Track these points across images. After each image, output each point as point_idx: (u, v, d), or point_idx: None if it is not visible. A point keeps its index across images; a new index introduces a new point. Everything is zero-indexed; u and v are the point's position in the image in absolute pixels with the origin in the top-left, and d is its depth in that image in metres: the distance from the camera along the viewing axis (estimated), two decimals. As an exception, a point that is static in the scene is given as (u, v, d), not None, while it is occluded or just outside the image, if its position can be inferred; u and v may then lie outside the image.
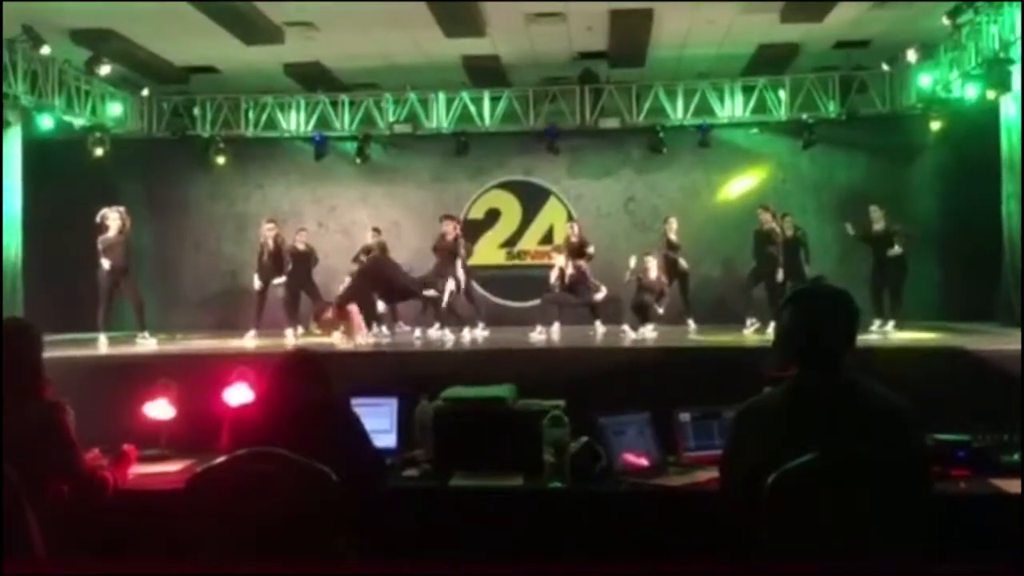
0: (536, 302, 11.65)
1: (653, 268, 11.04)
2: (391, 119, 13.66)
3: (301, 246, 11.61)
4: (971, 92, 10.59)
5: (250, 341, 10.42)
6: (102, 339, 9.98)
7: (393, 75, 13.09)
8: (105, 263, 10.16)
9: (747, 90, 13.26)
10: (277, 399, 3.34)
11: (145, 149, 13.85)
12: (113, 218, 10.29)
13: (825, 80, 13.06)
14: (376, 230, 12.36)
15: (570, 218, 13.34)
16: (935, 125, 11.97)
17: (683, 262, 11.78)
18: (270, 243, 11.09)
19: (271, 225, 11.24)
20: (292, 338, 10.62)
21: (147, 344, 10.09)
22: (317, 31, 11.12)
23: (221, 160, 13.72)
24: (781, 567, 2.28)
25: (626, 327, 10.62)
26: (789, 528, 2.40)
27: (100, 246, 10.23)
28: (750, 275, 11.36)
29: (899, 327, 10.40)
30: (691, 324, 11.56)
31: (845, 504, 2.38)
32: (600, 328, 10.66)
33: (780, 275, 10.83)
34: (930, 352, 7.82)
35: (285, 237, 11.45)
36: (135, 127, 13.54)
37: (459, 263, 10.69)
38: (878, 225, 11.03)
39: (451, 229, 10.84)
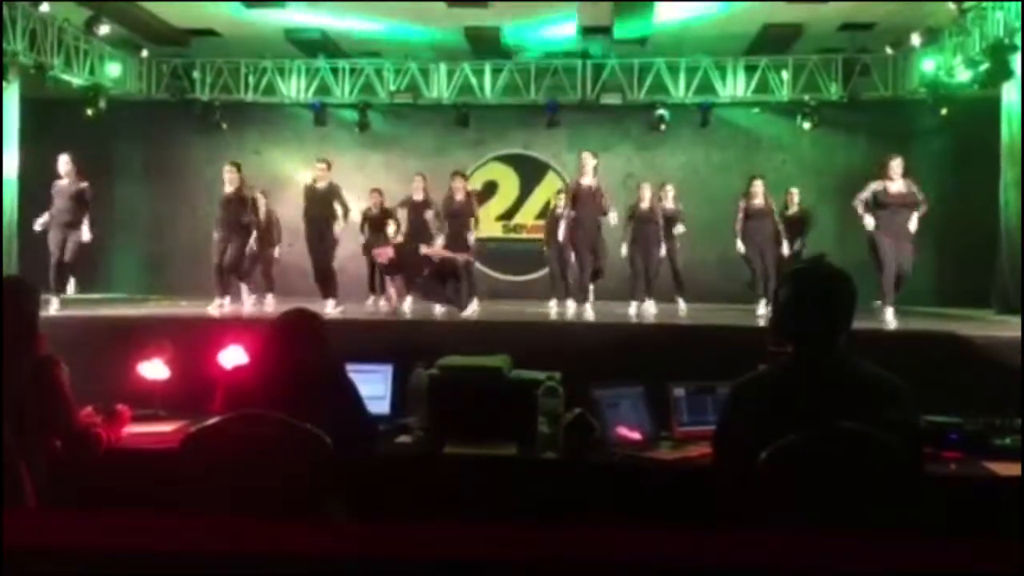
0: (530, 276, 11.57)
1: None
2: (392, 88, 13.57)
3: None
4: (966, 77, 10.65)
5: (269, 306, 10.29)
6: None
7: (395, 44, 13.00)
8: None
9: (749, 70, 13.20)
10: (272, 360, 3.33)
11: (143, 111, 13.78)
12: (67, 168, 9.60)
13: (828, 62, 12.99)
14: (376, 191, 11.82)
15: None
16: (944, 111, 11.84)
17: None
18: (235, 191, 9.92)
19: (259, 192, 10.70)
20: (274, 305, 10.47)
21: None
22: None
23: (220, 124, 13.66)
24: (770, 540, 2.29)
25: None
26: (782, 504, 2.41)
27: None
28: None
29: None
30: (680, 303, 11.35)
31: (838, 481, 2.39)
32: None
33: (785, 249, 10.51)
34: (921, 337, 7.84)
35: (273, 205, 11.19)
36: (134, 88, 13.45)
37: (472, 227, 9.57)
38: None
39: (460, 187, 9.51)
